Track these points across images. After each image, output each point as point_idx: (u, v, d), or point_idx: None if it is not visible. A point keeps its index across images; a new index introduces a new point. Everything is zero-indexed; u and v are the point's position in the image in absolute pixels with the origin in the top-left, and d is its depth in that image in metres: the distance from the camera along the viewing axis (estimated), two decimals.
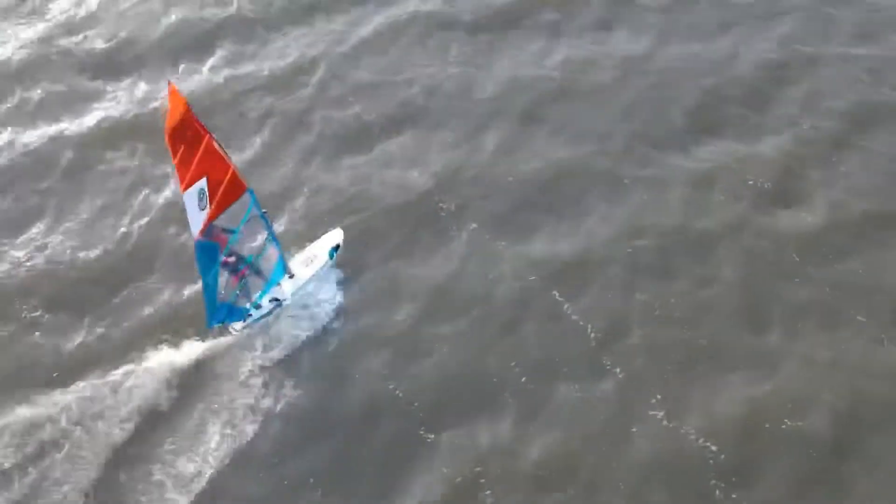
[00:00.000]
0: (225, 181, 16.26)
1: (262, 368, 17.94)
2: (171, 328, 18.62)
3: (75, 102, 24.64)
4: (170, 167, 21.96)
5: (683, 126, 22.44)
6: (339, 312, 18.85)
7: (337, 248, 19.57)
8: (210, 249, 16.74)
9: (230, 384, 17.76)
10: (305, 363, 18.14)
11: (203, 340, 18.29)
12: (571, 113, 23.03)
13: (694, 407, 16.91)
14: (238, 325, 18.46)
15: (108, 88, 25.05)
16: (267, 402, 17.49)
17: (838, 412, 16.60)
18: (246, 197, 17.02)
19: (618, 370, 17.55)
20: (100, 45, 26.48)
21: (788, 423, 16.54)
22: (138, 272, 20.00)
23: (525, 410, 17.13)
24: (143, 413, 17.33)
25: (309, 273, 19.22)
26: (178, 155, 15.50)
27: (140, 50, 26.23)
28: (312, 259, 19.44)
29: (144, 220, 21.24)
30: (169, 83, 15.89)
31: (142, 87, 24.83)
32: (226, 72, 25.14)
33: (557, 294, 18.87)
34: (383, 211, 20.82)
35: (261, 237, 18.22)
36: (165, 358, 18.06)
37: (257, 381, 17.77)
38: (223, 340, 18.29)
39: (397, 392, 17.51)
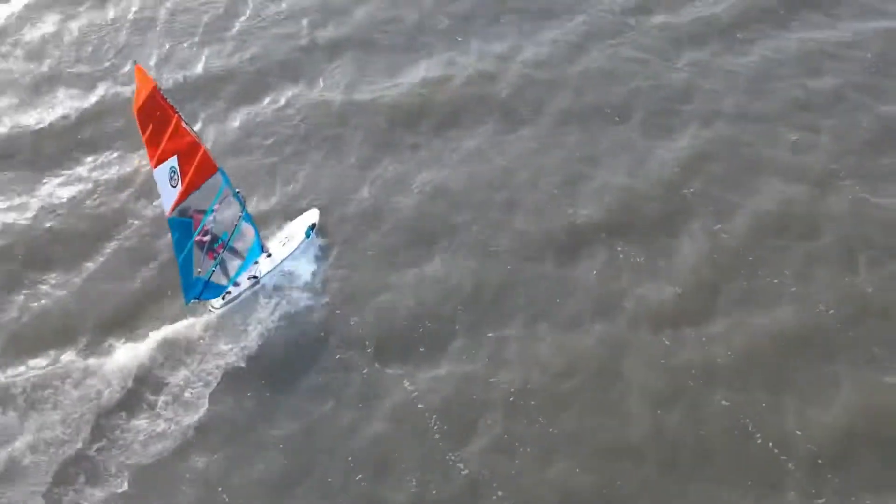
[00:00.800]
0: (196, 160, 16.94)
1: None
2: None
3: None
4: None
5: (585, 229, 20.73)
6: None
7: (313, 226, 20.12)
8: (184, 226, 17.36)
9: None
10: None
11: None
12: (466, 222, 21.11)
13: None
14: (217, 302, 19.07)
15: None
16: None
17: None
18: (218, 176, 17.67)
19: None
20: None
21: None
22: None
23: None
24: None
25: (286, 252, 19.78)
26: (147, 133, 15.99)
27: (13, 147, 23.93)
28: (289, 238, 20.00)
29: None
30: (135, 64, 16.64)
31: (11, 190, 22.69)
32: (93, 176, 23.04)
33: (439, 436, 17.26)
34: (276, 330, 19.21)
35: (235, 216, 18.56)
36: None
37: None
38: None
39: None
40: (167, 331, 18.97)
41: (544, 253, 20.21)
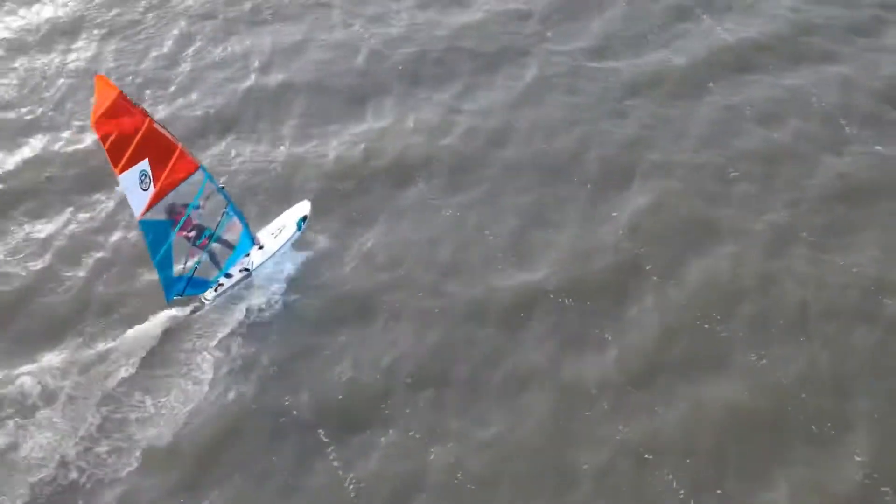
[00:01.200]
0: (171, 161, 16.72)
1: None
2: None
3: None
4: None
5: (528, 290, 19.74)
6: None
7: (305, 218, 20.08)
8: (159, 226, 17.24)
9: None
10: None
11: None
12: (406, 282, 20.09)
13: None
14: (209, 294, 19.12)
15: None
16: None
17: None
18: (199, 173, 17.57)
19: None
20: None
21: None
22: None
23: None
24: None
25: (278, 244, 19.90)
26: (110, 140, 15.66)
27: None
28: (281, 230, 20.05)
29: None
30: (97, 74, 16.34)
31: None
32: (23, 232, 22.00)
33: None
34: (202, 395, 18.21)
35: (219, 211, 18.54)
36: None
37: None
38: None
39: None
40: (87, 388, 18.07)
41: (485, 316, 19.25)
